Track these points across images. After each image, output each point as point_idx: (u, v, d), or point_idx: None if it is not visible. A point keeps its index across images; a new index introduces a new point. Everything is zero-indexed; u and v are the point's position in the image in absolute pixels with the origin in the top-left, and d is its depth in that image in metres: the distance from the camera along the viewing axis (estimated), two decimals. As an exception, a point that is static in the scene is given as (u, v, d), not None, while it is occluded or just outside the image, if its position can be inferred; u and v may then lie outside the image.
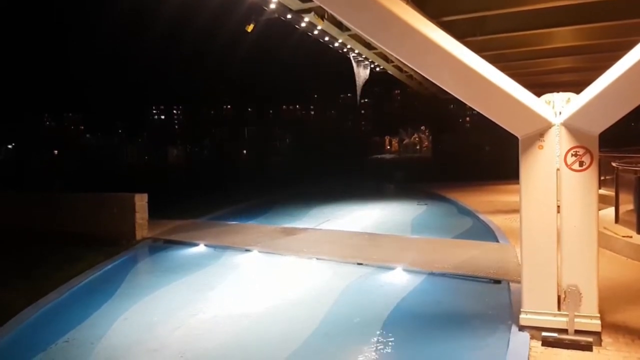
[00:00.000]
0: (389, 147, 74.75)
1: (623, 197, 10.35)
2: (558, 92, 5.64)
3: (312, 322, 6.77)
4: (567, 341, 5.38)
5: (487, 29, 14.33)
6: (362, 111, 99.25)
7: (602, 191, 11.38)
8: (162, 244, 12.04)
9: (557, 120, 5.52)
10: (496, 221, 13.03)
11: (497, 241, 10.94)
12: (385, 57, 20.95)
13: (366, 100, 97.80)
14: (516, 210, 6.25)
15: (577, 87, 6.04)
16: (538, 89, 6.31)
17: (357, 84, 22.01)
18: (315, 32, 16.00)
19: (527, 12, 12.92)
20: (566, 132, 5.48)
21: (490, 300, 7.35)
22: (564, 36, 15.21)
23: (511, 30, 14.49)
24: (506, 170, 10.91)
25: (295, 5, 13.46)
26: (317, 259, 9.95)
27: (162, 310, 7.59)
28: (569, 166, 5.46)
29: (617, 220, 10.26)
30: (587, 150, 5.40)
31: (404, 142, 72.82)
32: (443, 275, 8.53)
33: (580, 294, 5.43)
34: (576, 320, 5.43)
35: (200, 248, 11.45)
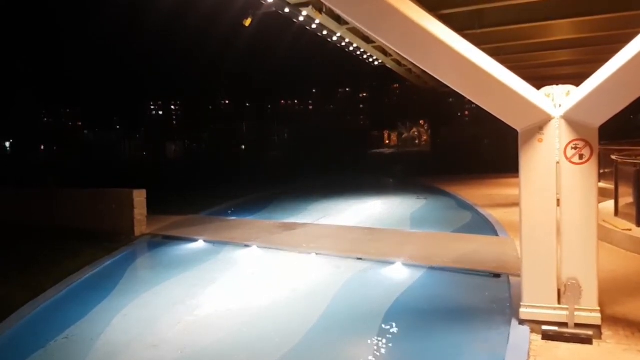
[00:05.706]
0: (387, 142, 74.50)
1: (622, 190, 10.34)
2: (557, 84, 5.61)
3: (312, 317, 6.76)
4: (567, 335, 5.38)
5: (486, 22, 14.28)
6: (361, 105, 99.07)
7: (602, 184, 11.36)
8: (161, 240, 12.02)
9: (556, 113, 5.49)
10: (496, 215, 13.03)
11: (497, 235, 10.93)
12: (384, 51, 20.89)
13: (365, 94, 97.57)
14: (516, 204, 6.23)
15: (577, 79, 6.01)
16: (537, 82, 6.27)
17: None
18: (313, 25, 15.91)
19: (525, 4, 12.89)
20: (566, 125, 5.45)
21: (490, 294, 7.35)
22: (563, 29, 15.15)
23: (510, 23, 14.44)
24: (505, 164, 10.88)
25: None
26: (317, 253, 9.93)
27: (161, 306, 7.58)
28: (568, 159, 5.44)
29: (616, 213, 10.26)
30: (587, 143, 5.38)
31: (403, 136, 72.63)
32: (443, 269, 8.52)
33: (580, 287, 5.42)
34: (576, 313, 5.42)
35: (200, 244, 11.43)
